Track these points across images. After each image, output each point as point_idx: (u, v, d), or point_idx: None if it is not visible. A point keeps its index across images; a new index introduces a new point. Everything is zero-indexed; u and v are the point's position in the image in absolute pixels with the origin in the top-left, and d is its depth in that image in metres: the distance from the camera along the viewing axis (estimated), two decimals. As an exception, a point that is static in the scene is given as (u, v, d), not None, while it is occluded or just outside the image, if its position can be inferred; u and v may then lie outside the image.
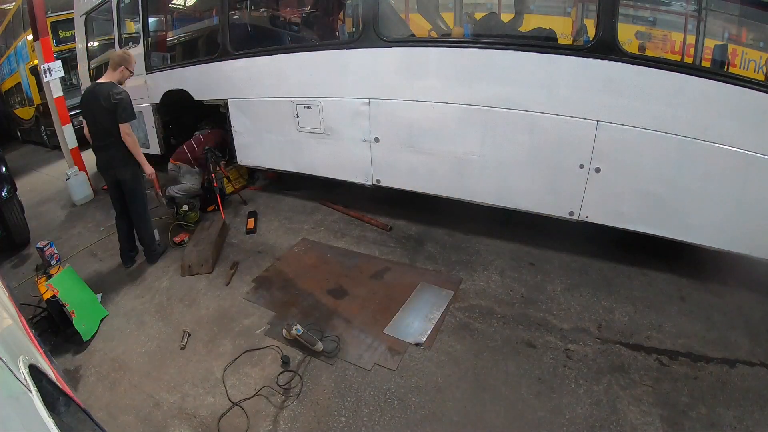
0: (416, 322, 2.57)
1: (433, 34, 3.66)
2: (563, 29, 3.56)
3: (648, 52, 3.17)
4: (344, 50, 3.17)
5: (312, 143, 3.57)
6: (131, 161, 3.20)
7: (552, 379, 2.17)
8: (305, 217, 3.92)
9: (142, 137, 4.93)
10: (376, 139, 3.24)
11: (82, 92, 3.64)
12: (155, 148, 4.83)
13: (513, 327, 2.51)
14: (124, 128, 3.09)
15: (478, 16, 3.68)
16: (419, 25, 3.87)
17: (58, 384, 1.29)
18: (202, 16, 4.92)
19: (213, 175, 4.23)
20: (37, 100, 7.60)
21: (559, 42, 3.02)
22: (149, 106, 4.62)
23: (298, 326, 2.46)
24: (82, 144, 4.95)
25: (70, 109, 5.06)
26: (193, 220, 3.98)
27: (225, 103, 3.96)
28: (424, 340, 2.44)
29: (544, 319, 2.53)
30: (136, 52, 4.57)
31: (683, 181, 2.45)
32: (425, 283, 2.88)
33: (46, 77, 4.55)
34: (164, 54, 4.67)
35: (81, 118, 6.30)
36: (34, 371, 1.16)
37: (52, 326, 2.79)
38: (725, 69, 2.60)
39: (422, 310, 2.66)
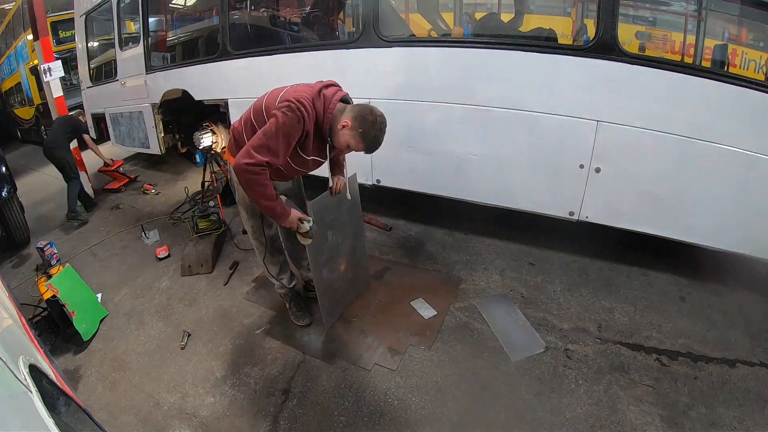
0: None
1: (433, 34, 3.66)
2: (563, 29, 3.55)
3: (648, 52, 3.16)
4: (344, 50, 3.16)
5: (312, 143, 3.56)
6: None
7: (552, 379, 2.17)
8: (305, 217, 3.91)
9: (142, 137, 4.94)
10: (376, 139, 3.23)
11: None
12: (155, 148, 4.84)
13: (513, 327, 2.50)
14: None
15: (478, 16, 3.68)
16: (419, 25, 3.86)
17: (58, 384, 1.28)
18: (202, 16, 4.92)
19: (213, 174, 4.24)
20: (37, 100, 7.61)
21: (559, 42, 3.02)
22: (149, 106, 4.62)
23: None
24: (81, 144, 4.95)
25: (70, 109, 5.06)
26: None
27: (225, 103, 3.96)
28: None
29: (544, 319, 2.53)
30: (136, 52, 4.58)
31: (683, 181, 2.44)
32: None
33: (46, 77, 4.55)
34: (164, 54, 4.67)
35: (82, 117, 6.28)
36: (34, 371, 1.15)
37: (52, 326, 2.79)
38: (725, 69, 2.60)
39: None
